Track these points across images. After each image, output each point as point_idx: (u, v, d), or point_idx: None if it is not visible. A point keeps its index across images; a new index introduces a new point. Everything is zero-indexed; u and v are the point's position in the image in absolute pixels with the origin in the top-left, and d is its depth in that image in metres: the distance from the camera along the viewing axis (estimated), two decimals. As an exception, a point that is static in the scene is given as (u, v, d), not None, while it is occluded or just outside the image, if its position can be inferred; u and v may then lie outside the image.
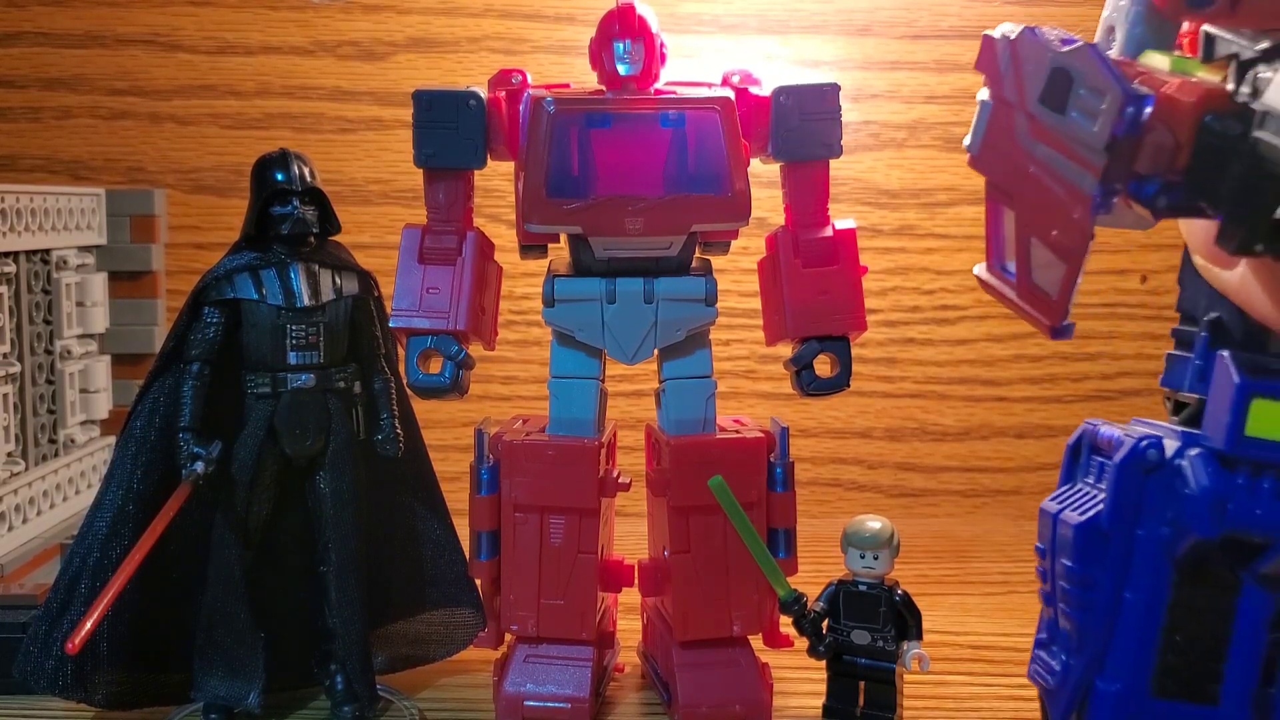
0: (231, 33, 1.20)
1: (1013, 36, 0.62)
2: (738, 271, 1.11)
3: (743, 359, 1.24)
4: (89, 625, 0.65)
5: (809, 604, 0.74)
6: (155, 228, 1.11)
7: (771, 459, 0.76)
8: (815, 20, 1.22)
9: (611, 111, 0.72)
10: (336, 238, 0.78)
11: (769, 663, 0.78)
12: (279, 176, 0.72)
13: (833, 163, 1.22)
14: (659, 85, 0.75)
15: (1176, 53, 0.60)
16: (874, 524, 0.76)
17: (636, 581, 0.80)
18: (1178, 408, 0.65)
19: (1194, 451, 0.60)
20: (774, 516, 0.76)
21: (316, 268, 0.73)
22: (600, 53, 0.73)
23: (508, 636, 0.78)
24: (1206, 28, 0.59)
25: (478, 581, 0.78)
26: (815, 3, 1.22)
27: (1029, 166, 0.61)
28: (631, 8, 0.72)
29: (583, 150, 0.72)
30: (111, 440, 1.08)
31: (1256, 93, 0.54)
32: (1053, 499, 0.67)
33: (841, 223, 0.77)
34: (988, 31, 0.65)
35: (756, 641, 0.78)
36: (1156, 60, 0.62)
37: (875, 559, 0.75)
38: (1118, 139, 0.55)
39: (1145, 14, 0.64)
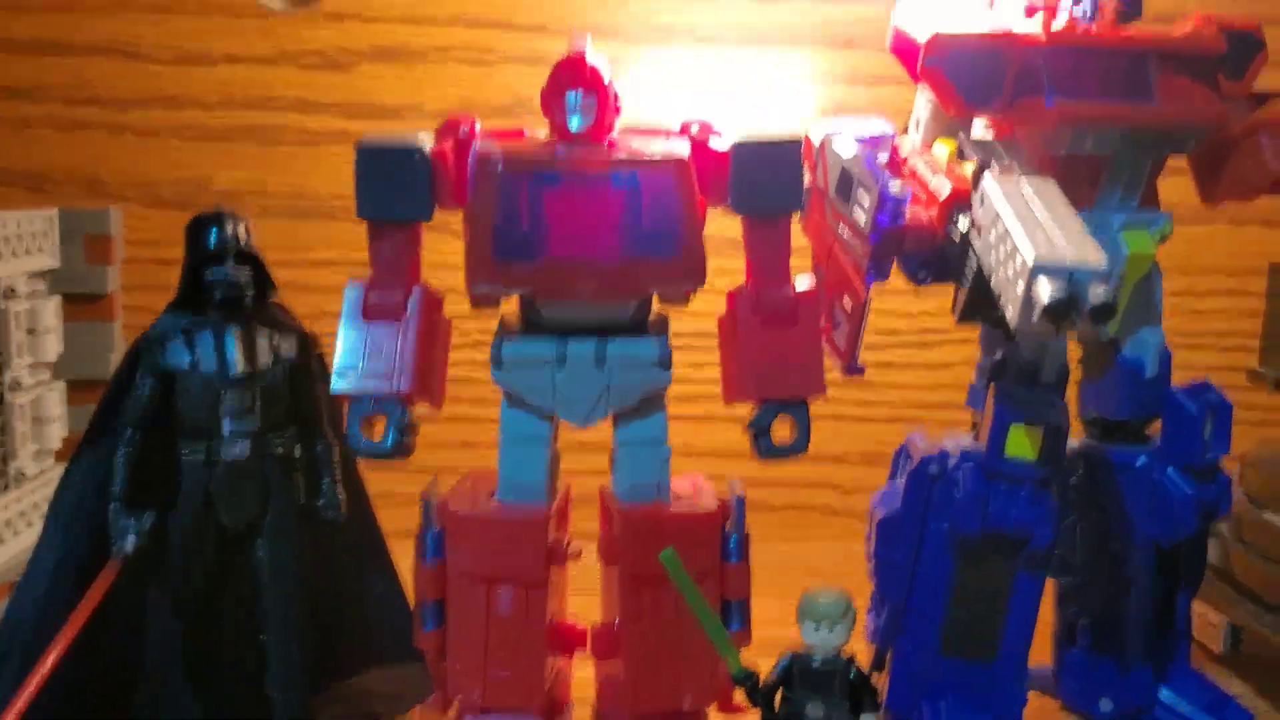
0: (193, 42, 1.17)
1: (820, 140, 0.78)
2: (713, 292, 1.08)
3: (717, 382, 1.21)
4: (20, 705, 0.63)
5: (760, 679, 0.72)
6: (110, 249, 1.07)
7: (727, 527, 0.74)
8: (797, 33, 1.19)
9: (561, 170, 0.69)
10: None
11: (725, 726, 0.77)
12: (211, 239, 0.70)
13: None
14: (615, 133, 0.72)
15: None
16: (829, 596, 0.73)
17: (589, 645, 0.78)
18: (974, 425, 0.80)
19: (967, 465, 0.74)
20: (727, 588, 0.74)
21: (253, 331, 0.71)
22: (551, 103, 0.70)
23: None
24: (960, 137, 0.74)
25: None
26: (797, 15, 1.18)
27: (833, 243, 0.77)
28: (583, 58, 0.69)
29: (532, 209, 0.69)
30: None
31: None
32: (878, 494, 0.83)
33: (803, 281, 0.74)
34: (809, 128, 0.80)
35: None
36: (940, 149, 0.76)
37: (830, 631, 0.73)
38: (880, 227, 0.70)
39: (935, 112, 0.77)
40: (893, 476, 0.85)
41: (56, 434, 1.04)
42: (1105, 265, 0.58)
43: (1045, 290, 0.57)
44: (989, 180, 0.66)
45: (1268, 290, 1.13)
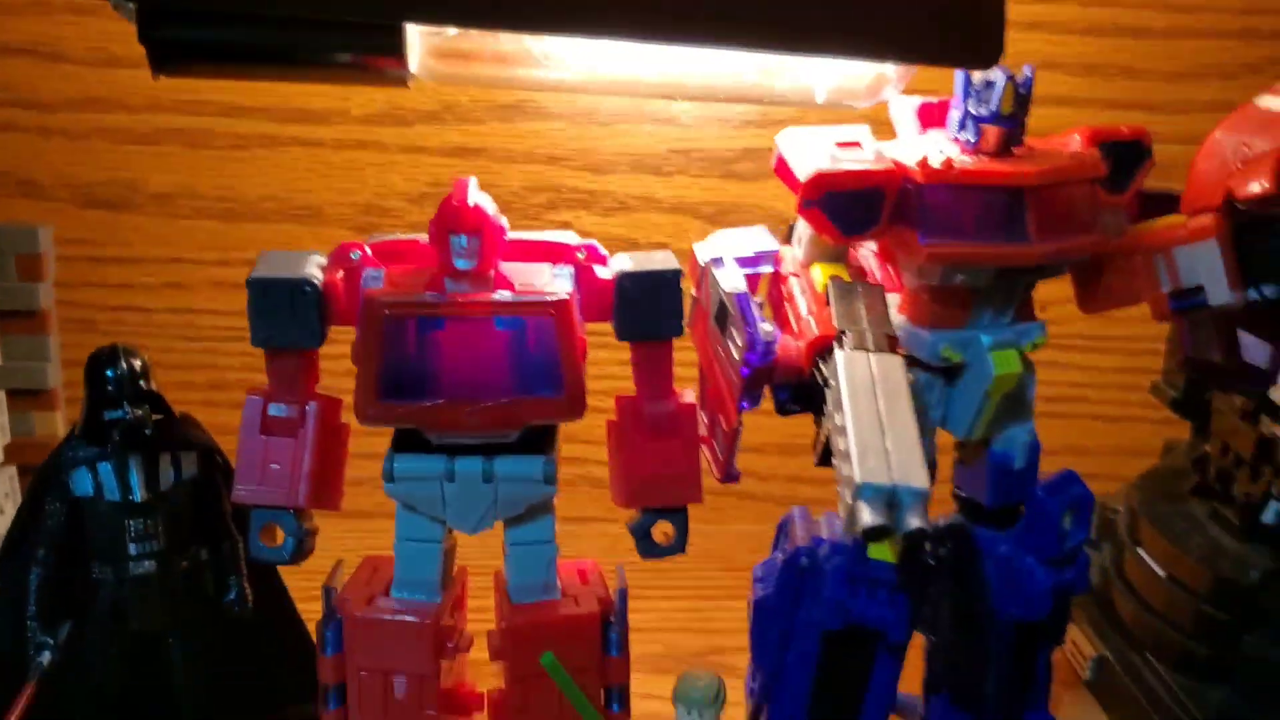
0: (117, 44, 1.16)
1: (704, 263, 0.79)
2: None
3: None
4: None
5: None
6: (41, 266, 1.10)
7: (610, 620, 0.79)
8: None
9: (445, 314, 0.72)
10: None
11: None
12: (107, 382, 0.72)
13: (737, 188, 1.21)
14: (500, 264, 0.75)
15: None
16: (700, 684, 0.80)
17: (486, 710, 0.84)
18: None
19: (833, 563, 0.79)
20: (608, 677, 0.80)
21: (155, 457, 0.74)
22: (437, 242, 0.72)
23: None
24: (829, 284, 0.75)
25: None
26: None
27: (714, 361, 0.78)
28: (465, 203, 0.71)
29: (419, 351, 0.73)
30: (11, 472, 1.11)
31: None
32: (760, 565, 0.86)
33: (685, 396, 0.78)
34: (695, 246, 0.81)
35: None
36: (818, 274, 0.78)
37: (700, 716, 0.80)
38: (750, 364, 0.73)
39: (814, 235, 0.78)
40: (775, 549, 0.90)
41: (-1, 445, 1.09)
42: (926, 488, 0.62)
43: (865, 514, 0.61)
44: (839, 356, 0.68)
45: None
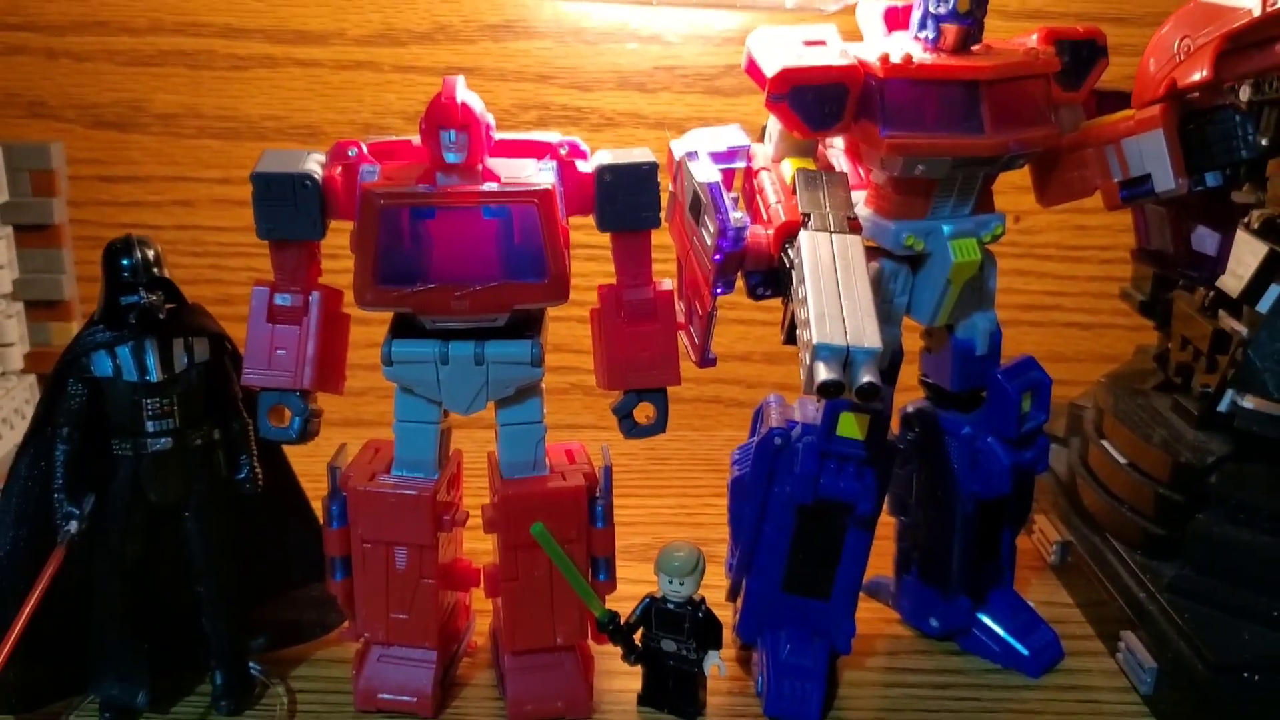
0: (119, -32, 1.20)
1: (679, 157, 0.84)
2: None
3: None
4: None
5: (622, 620, 0.85)
6: (54, 181, 1.15)
7: (596, 495, 0.85)
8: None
9: (437, 204, 0.77)
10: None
11: (600, 650, 0.89)
12: (123, 269, 0.77)
13: (720, 104, 1.25)
14: (489, 158, 0.79)
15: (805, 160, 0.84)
16: (681, 554, 0.85)
17: (482, 584, 0.90)
18: None
19: (804, 441, 0.84)
20: (594, 548, 0.85)
21: (169, 341, 0.79)
22: (428, 138, 0.77)
23: (366, 631, 0.89)
24: (796, 175, 0.79)
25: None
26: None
27: (689, 250, 0.83)
28: (454, 100, 0.76)
29: (413, 238, 0.78)
30: (30, 380, 1.17)
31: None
32: (738, 448, 0.92)
33: (663, 284, 0.83)
34: (672, 142, 0.86)
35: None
36: (787, 167, 0.83)
37: (682, 584, 0.85)
38: (722, 250, 0.77)
39: (784, 131, 0.83)
40: (752, 434, 0.95)
41: (17, 355, 1.14)
42: (878, 347, 0.67)
43: (821, 371, 0.66)
44: (803, 236, 0.73)
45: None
